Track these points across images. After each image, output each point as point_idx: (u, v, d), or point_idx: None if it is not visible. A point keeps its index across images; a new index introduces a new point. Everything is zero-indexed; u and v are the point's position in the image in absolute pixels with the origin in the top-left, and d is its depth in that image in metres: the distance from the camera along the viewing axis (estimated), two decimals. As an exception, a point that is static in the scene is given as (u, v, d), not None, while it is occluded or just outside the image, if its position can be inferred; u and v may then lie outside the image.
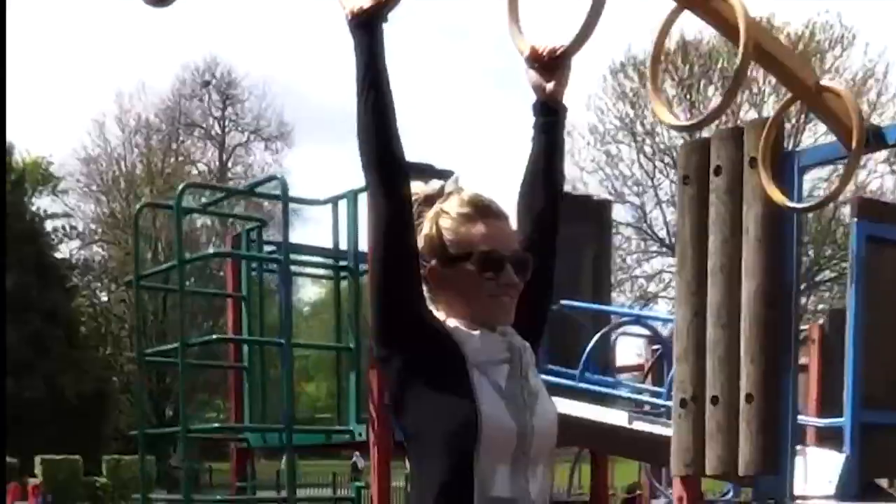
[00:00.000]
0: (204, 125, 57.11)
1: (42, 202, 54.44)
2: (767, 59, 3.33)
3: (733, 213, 5.51)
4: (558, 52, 3.33)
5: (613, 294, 9.33)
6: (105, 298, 51.73)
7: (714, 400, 5.46)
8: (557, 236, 3.44)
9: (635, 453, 5.62)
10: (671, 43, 31.55)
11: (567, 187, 8.13)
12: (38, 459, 40.57)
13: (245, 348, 8.92)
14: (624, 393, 7.03)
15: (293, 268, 9.34)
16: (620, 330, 8.44)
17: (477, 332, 3.07)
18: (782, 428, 5.29)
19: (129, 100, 52.97)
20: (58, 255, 47.02)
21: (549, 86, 3.37)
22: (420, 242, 3.10)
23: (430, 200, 3.20)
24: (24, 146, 53.30)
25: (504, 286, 3.06)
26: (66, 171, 55.36)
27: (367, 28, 3.00)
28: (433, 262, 3.10)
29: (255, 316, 9.28)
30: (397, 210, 3.02)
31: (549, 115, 3.41)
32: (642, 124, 38.53)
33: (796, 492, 5.21)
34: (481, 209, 3.12)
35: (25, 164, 55.71)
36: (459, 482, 2.94)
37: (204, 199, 10.14)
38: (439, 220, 3.12)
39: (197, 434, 7.16)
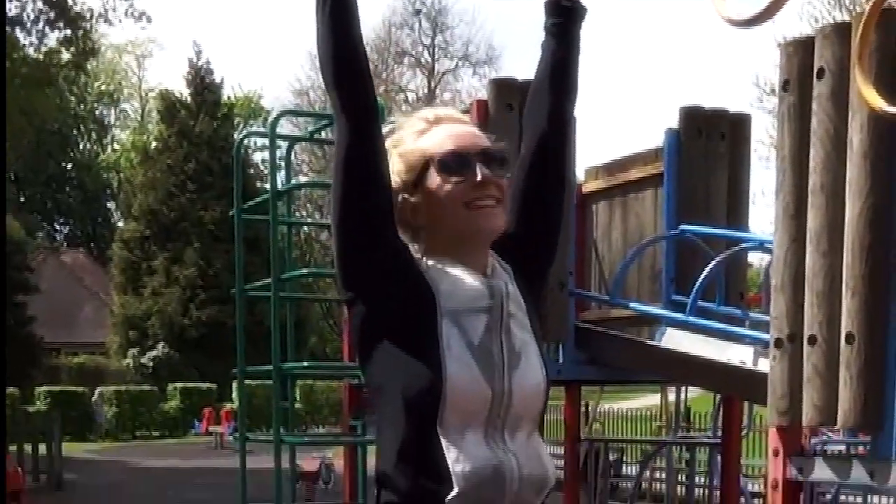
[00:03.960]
0: (413, 53, 58.04)
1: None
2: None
3: (837, 123, 4.71)
4: None
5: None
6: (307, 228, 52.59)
7: (811, 340, 4.70)
8: (566, 158, 3.01)
9: (761, 397, 4.93)
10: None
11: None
12: (234, 385, 41.76)
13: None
14: (744, 331, 6.29)
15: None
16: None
17: (455, 272, 2.65)
18: (888, 374, 4.51)
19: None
20: (266, 186, 47.78)
21: None
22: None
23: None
24: (236, 81, 55.01)
25: (479, 186, 2.64)
26: (280, 103, 56.61)
27: None
28: (403, 195, 2.71)
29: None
30: (359, 136, 2.63)
31: (562, 16, 2.94)
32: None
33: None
34: (434, 118, 2.75)
35: (236, 98, 57.31)
36: (423, 447, 2.57)
37: (311, 128, 9.67)
38: (398, 148, 2.75)
39: (292, 373, 6.69)
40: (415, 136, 2.74)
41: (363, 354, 2.70)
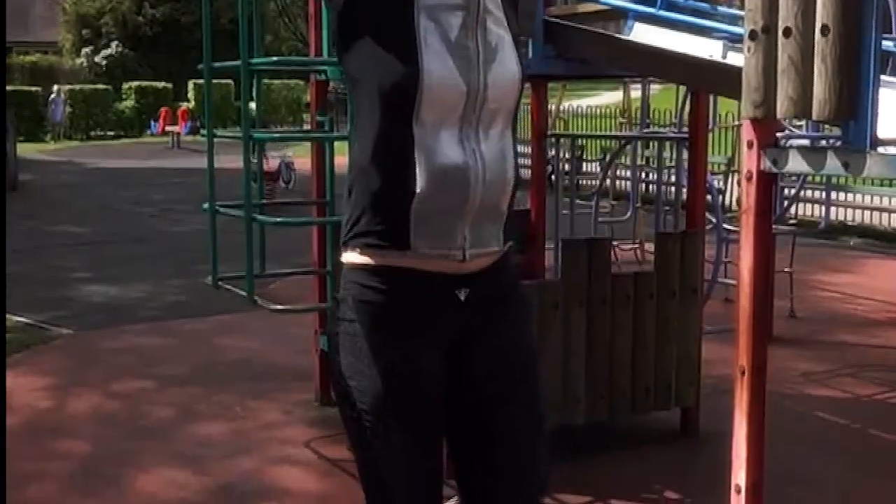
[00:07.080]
0: None
1: None
2: None
3: None
4: None
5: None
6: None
7: (786, 32, 4.65)
8: None
9: (732, 90, 4.92)
10: None
11: None
12: (190, 84, 41.56)
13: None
14: (714, 24, 6.24)
15: None
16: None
17: None
18: (862, 64, 4.48)
19: None
20: None
21: None
22: None
23: None
24: None
25: None
26: None
27: None
28: None
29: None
30: None
31: None
32: None
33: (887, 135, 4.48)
34: None
35: None
36: (396, 143, 2.62)
37: None
38: None
39: (259, 68, 6.58)
40: None
41: (341, 47, 2.68)
